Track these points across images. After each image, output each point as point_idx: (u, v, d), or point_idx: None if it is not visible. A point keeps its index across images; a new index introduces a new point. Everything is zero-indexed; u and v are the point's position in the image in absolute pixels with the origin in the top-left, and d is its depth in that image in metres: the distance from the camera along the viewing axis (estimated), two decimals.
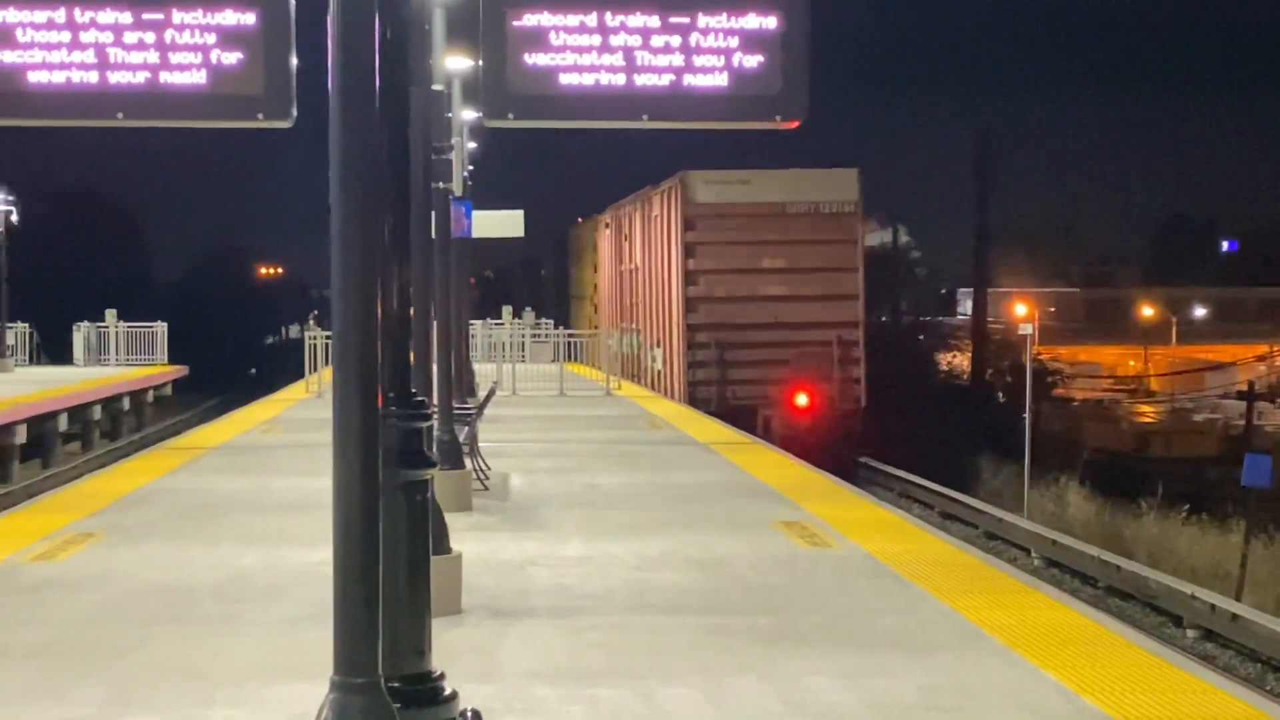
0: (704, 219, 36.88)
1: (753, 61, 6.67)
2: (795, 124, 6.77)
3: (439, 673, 6.07)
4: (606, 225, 51.34)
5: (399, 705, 5.05)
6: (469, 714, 6.04)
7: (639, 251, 43.59)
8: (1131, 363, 75.12)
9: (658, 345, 38.38)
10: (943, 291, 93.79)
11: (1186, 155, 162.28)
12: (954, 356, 65.72)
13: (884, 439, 36.18)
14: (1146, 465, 37.42)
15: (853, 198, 36.79)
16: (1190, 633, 17.58)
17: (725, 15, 6.66)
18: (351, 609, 4.89)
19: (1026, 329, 30.59)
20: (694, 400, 35.32)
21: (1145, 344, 76.18)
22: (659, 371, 37.69)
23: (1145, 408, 57.96)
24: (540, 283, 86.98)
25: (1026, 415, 28.37)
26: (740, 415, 33.03)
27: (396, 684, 5.69)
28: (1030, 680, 8.73)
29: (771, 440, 29.37)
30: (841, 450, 33.13)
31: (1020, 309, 70.32)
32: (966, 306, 76.21)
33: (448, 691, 6.02)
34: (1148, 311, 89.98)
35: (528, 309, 50.76)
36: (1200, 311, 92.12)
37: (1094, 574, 20.66)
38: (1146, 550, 23.26)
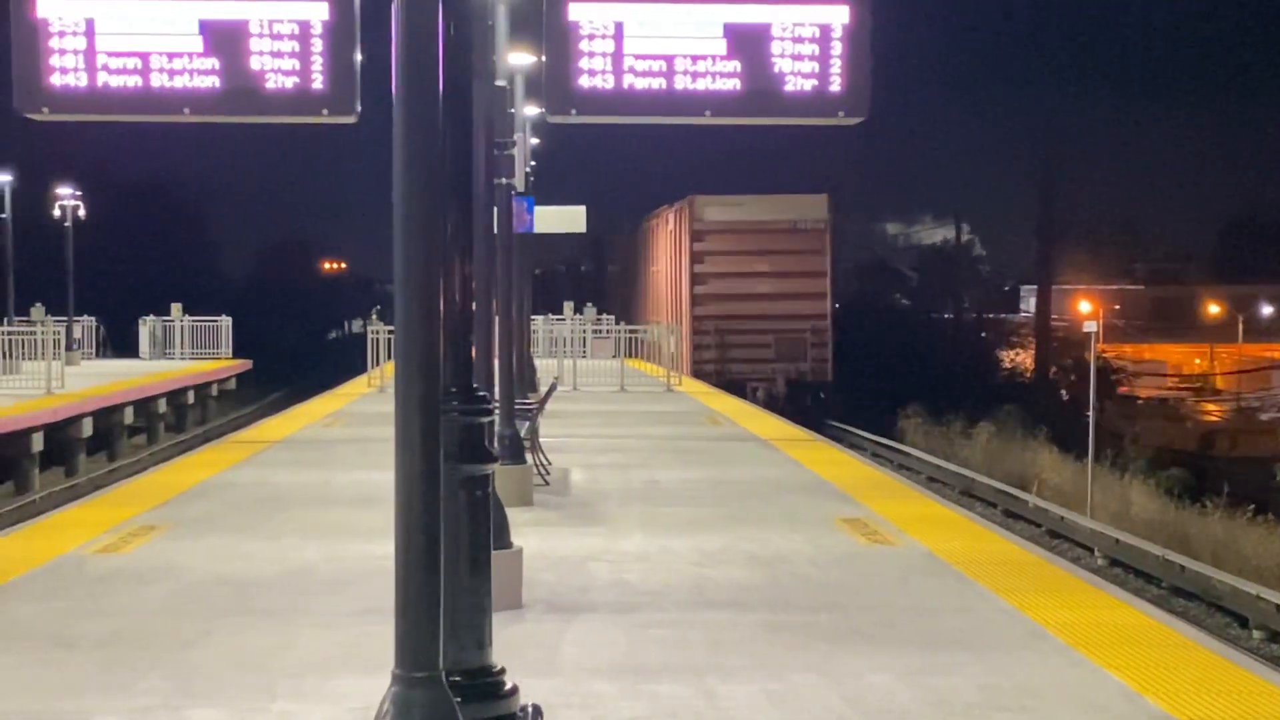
0: (708, 233, 47.50)
1: (817, 58, 6.64)
2: (859, 120, 6.74)
3: (500, 667, 6.08)
4: (640, 234, 61.83)
5: (460, 699, 5.06)
6: (530, 709, 6.04)
7: (661, 257, 54.19)
8: (1197, 361, 74.43)
9: (672, 332, 43.79)
10: (1006, 288, 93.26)
11: (1254, 151, 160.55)
12: (1017, 354, 65.47)
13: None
14: (1212, 464, 37.09)
15: (823, 217, 47.62)
16: (1256, 634, 17.40)
17: (790, 12, 6.65)
18: (413, 603, 4.90)
19: (1091, 326, 30.31)
20: (699, 374, 43.74)
21: (1211, 342, 75.46)
22: (673, 354, 42.83)
23: (1211, 406, 57.45)
24: (582, 280, 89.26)
25: (1090, 413, 28.15)
26: (734, 386, 41.69)
27: (458, 678, 5.70)
28: (1093, 680, 8.67)
29: (755, 404, 35.80)
30: (813, 413, 41.06)
31: (1084, 306, 69.84)
32: (1030, 304, 75.82)
33: (508, 686, 6.03)
34: (1214, 309, 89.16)
35: (589, 305, 50.85)
36: (1268, 309, 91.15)
37: (1158, 574, 20.49)
38: (1211, 550, 23.02)
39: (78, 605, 10.78)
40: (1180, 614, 17.34)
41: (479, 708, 5.82)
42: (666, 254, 52.49)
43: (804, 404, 43.60)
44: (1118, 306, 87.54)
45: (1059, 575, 12.09)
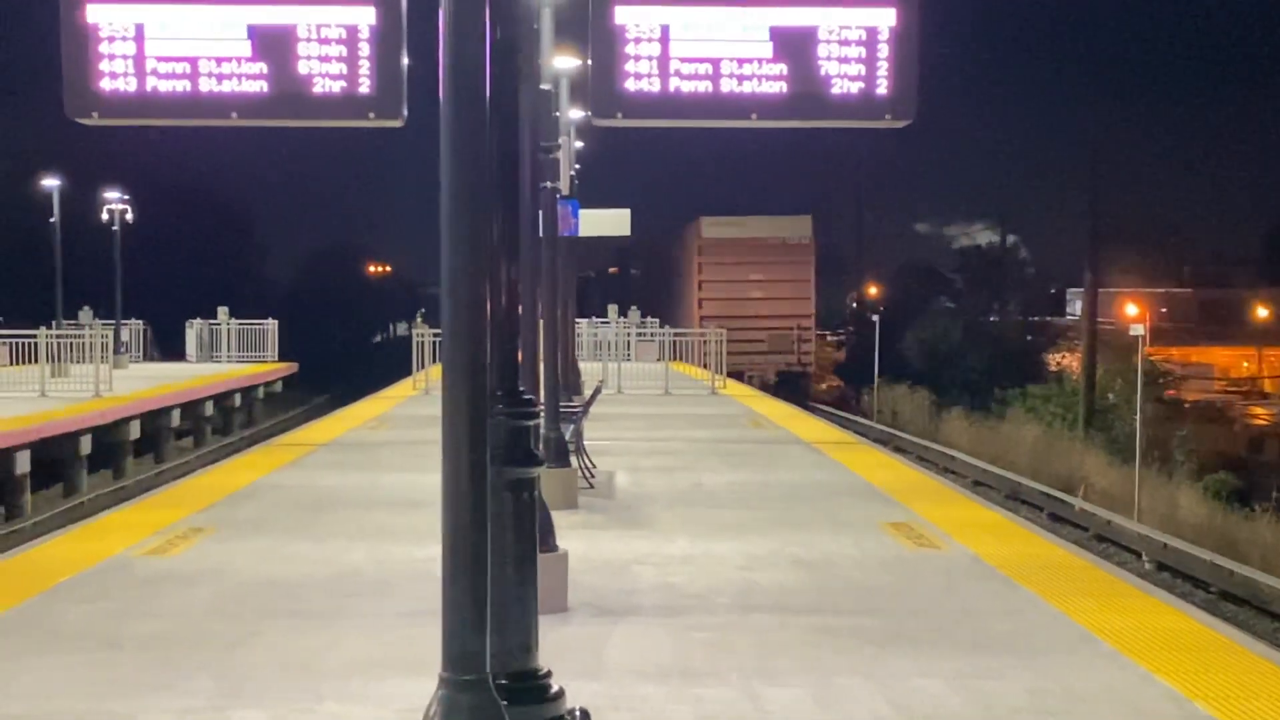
0: (712, 247, 58.94)
1: (863, 60, 6.62)
2: (905, 123, 6.72)
3: (546, 670, 6.08)
4: (667, 244, 71.12)
5: (506, 702, 5.06)
6: (577, 712, 6.04)
7: (676, 268, 65.24)
8: (1245, 364, 73.93)
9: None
10: (1052, 291, 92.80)
11: None
12: (1063, 357, 65.19)
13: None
14: (1260, 468, 36.84)
15: (808, 234, 59.54)
16: None
17: (836, 14, 6.63)
18: (459, 606, 4.91)
19: (1138, 330, 30.15)
20: (704, 365, 47.95)
21: (1259, 345, 74.91)
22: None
23: (1259, 410, 57.05)
24: (610, 285, 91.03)
25: (1137, 416, 28.02)
26: (733, 375, 46.92)
27: (504, 681, 5.71)
28: (1141, 685, 8.62)
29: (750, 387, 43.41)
30: (800, 397, 49.72)
31: (1131, 309, 69.44)
32: (1076, 307, 75.50)
33: (555, 689, 6.03)
34: (1262, 312, 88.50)
35: (633, 308, 50.94)
36: None
37: (1206, 578, 20.37)
38: (1260, 554, 22.88)
39: (125, 606, 10.84)
40: (1229, 619, 17.23)
41: (526, 711, 5.83)
42: (680, 266, 63.45)
43: (794, 387, 54.07)
44: (1164, 309, 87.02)
45: (1106, 579, 12.03)
